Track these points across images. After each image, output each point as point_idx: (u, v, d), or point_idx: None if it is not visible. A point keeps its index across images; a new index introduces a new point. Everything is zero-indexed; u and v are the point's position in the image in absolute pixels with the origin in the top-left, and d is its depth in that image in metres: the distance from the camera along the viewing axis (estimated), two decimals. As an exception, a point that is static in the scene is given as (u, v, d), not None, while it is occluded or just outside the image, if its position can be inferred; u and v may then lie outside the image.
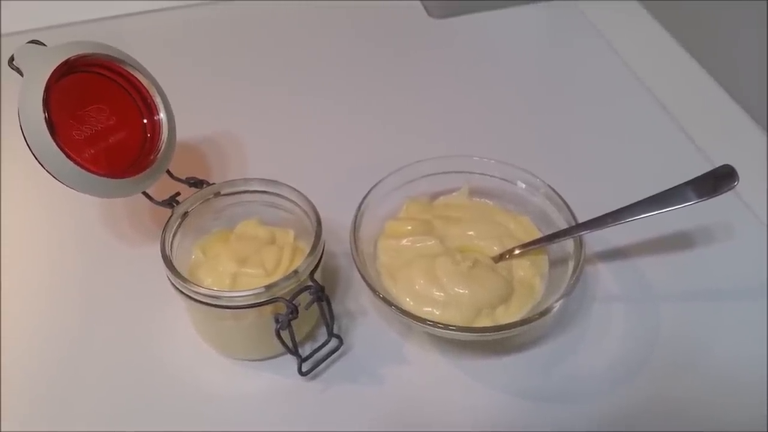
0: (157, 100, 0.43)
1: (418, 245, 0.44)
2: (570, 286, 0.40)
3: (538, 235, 0.45)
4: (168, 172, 0.44)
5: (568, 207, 0.44)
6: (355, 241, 0.42)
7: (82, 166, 0.38)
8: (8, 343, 0.43)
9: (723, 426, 0.39)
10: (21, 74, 0.38)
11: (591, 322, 0.44)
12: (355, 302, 0.45)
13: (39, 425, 0.39)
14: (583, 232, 0.42)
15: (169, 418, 0.39)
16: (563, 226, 0.43)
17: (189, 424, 0.39)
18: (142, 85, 0.42)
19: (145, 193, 0.42)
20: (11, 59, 0.39)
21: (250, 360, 0.42)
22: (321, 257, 0.40)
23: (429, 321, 0.39)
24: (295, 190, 0.42)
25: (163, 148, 0.42)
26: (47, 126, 0.37)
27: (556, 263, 0.44)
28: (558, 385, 0.41)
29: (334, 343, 0.41)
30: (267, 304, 0.37)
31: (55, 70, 0.37)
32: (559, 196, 0.44)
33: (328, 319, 0.40)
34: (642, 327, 0.43)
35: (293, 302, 0.37)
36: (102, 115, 0.41)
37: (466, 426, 0.39)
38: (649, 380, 0.41)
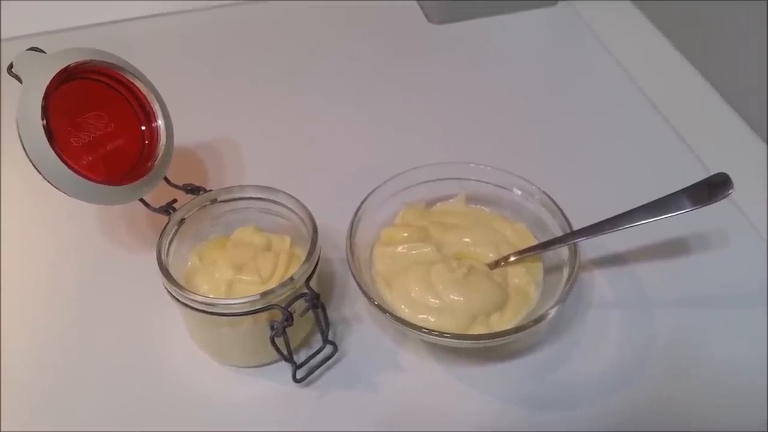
0: (156, 107, 0.43)
1: (414, 252, 0.44)
2: (564, 293, 0.40)
3: (533, 242, 0.45)
4: (165, 178, 0.44)
5: (563, 214, 0.44)
6: (351, 248, 0.42)
7: (79, 174, 0.38)
8: (7, 347, 0.43)
9: (718, 433, 0.39)
10: (20, 81, 0.38)
11: (586, 328, 0.44)
12: (351, 309, 0.45)
13: (38, 427, 0.40)
14: (577, 240, 0.42)
15: (164, 424, 0.40)
16: (558, 232, 0.43)
17: (184, 430, 0.39)
18: (141, 92, 0.42)
19: (142, 200, 0.42)
20: (10, 66, 0.39)
21: (245, 367, 0.42)
22: (317, 264, 0.40)
23: (424, 328, 0.39)
24: (292, 196, 0.42)
25: (160, 155, 0.43)
26: (46, 133, 0.37)
27: (551, 270, 0.44)
28: (553, 391, 0.41)
29: (329, 349, 0.41)
30: (262, 311, 0.37)
31: (54, 77, 0.38)
32: (554, 203, 0.44)
33: (323, 326, 0.40)
34: (637, 334, 0.43)
35: (288, 309, 0.37)
36: (100, 122, 0.41)
37: (460, 433, 0.39)
38: (645, 387, 0.41)
